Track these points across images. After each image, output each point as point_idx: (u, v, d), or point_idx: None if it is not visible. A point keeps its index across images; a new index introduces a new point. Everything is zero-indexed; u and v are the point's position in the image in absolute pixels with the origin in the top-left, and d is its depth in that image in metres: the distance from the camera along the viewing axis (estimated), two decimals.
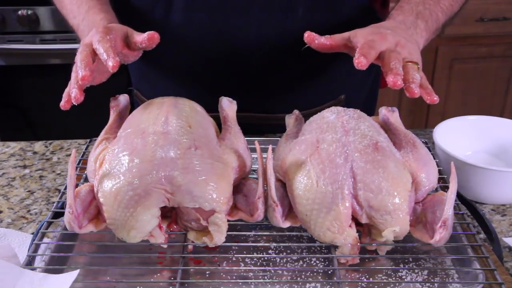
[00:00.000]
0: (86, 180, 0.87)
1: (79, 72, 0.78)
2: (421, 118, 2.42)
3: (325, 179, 0.74)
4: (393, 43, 0.82)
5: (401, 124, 0.88)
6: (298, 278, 0.75)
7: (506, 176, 0.90)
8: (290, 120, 0.94)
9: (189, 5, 1.02)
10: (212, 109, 0.92)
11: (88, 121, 1.42)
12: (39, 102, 2.14)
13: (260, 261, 0.78)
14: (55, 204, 0.83)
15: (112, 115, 0.91)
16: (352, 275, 0.76)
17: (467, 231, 0.79)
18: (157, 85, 1.17)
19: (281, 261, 0.78)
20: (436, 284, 0.74)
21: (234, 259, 0.78)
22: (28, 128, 2.26)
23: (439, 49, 2.27)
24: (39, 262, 0.74)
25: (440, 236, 0.71)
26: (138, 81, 1.24)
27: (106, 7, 0.98)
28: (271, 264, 0.77)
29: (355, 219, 0.74)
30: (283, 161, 0.81)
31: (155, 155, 0.75)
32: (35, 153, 1.11)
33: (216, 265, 0.77)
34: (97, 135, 0.87)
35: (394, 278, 0.75)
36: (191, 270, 0.77)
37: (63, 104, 0.80)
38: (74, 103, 0.79)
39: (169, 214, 0.78)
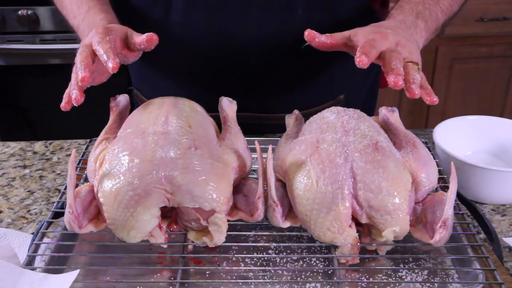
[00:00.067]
0: (86, 180, 0.87)
1: (79, 73, 0.78)
2: (421, 118, 2.42)
3: (325, 179, 0.74)
4: (394, 43, 0.82)
5: (401, 124, 0.88)
6: (298, 278, 0.75)
7: (506, 176, 0.90)
8: (290, 120, 0.94)
9: (188, 5, 1.02)
10: (212, 109, 0.92)
11: (88, 121, 1.42)
12: (39, 102, 2.14)
13: (260, 261, 0.78)
14: (55, 204, 0.83)
15: (112, 115, 0.91)
16: (352, 275, 0.76)
17: (467, 231, 0.79)
18: (157, 85, 1.18)
19: (281, 261, 0.78)
20: (436, 284, 0.74)
21: (234, 259, 0.78)
22: (28, 128, 2.26)
23: (439, 49, 2.27)
24: (39, 262, 0.74)
25: (440, 236, 0.71)
26: (138, 81, 1.25)
27: (106, 7, 0.98)
28: (271, 264, 0.77)
29: (355, 219, 0.74)
30: (283, 161, 0.81)
31: (155, 155, 0.75)
32: (35, 153, 1.11)
33: (216, 265, 0.77)
34: (97, 135, 0.87)
35: (394, 278, 0.75)
36: (191, 270, 0.77)
37: (64, 105, 0.80)
38: (74, 104, 0.79)
39: (169, 214, 0.78)
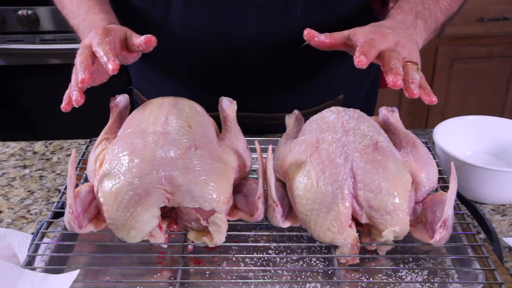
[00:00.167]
0: (86, 180, 0.87)
1: (79, 75, 0.79)
2: (421, 118, 2.42)
3: (325, 179, 0.74)
4: (393, 43, 0.82)
5: (401, 124, 0.88)
6: (298, 278, 0.75)
7: (506, 176, 0.90)
8: (290, 120, 0.94)
9: (188, 5, 1.03)
10: (212, 109, 0.92)
11: (88, 121, 1.42)
12: (39, 102, 2.14)
13: (260, 261, 0.78)
14: (55, 204, 0.83)
15: (112, 115, 0.91)
16: (352, 275, 0.76)
17: (467, 231, 0.79)
18: (157, 84, 1.18)
19: (281, 261, 0.78)
20: (436, 284, 0.74)
21: (234, 259, 0.78)
22: (28, 128, 2.26)
23: (439, 49, 2.27)
24: (39, 262, 0.74)
25: (440, 236, 0.71)
26: (138, 81, 1.25)
27: (106, 7, 0.98)
28: (271, 264, 0.77)
29: (355, 219, 0.74)
30: (283, 161, 0.81)
31: (155, 155, 0.75)
32: (35, 153, 1.11)
33: (216, 265, 0.77)
34: (97, 135, 0.87)
35: (394, 278, 0.75)
36: (191, 270, 0.77)
37: (64, 106, 0.80)
38: (75, 105, 0.79)
39: (169, 214, 0.78)
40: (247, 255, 0.78)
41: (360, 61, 0.77)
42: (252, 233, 0.83)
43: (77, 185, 0.78)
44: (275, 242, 0.82)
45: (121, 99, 0.95)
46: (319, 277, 0.76)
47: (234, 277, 0.75)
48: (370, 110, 1.27)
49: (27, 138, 1.20)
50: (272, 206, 0.74)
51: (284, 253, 0.79)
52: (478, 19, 2.22)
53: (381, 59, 0.80)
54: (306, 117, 0.91)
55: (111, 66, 0.78)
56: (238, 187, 0.80)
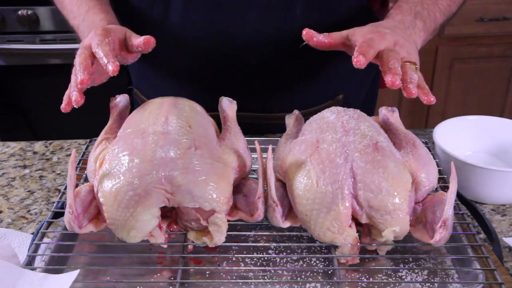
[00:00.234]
0: (86, 180, 0.87)
1: (78, 76, 0.79)
2: (421, 118, 2.42)
3: (325, 179, 0.74)
4: (392, 43, 0.82)
5: (401, 124, 0.88)
6: (298, 278, 0.75)
7: (506, 176, 0.90)
8: (290, 120, 0.94)
9: (187, 5, 1.03)
10: (212, 109, 0.92)
11: (88, 121, 1.42)
12: (39, 102, 2.14)
13: (260, 261, 0.78)
14: (55, 204, 0.83)
15: (112, 115, 0.91)
16: (352, 275, 0.76)
17: (467, 231, 0.79)
18: (157, 84, 1.18)
19: (281, 261, 0.78)
20: (436, 284, 0.74)
21: (234, 259, 0.78)
22: (28, 128, 2.26)
23: (439, 49, 2.27)
24: (39, 262, 0.74)
25: (440, 236, 0.71)
26: (138, 81, 1.25)
27: (106, 7, 0.98)
28: (271, 264, 0.77)
29: (355, 219, 0.74)
30: (283, 161, 0.81)
31: (155, 155, 0.75)
32: (35, 153, 1.11)
33: (216, 265, 0.77)
34: (97, 135, 0.87)
35: (394, 278, 0.75)
36: (191, 270, 0.77)
37: (64, 107, 0.80)
38: (75, 106, 0.79)
39: (169, 214, 0.78)
40: (247, 255, 0.78)
41: (359, 61, 0.77)
42: (252, 233, 0.83)
43: (77, 185, 0.78)
44: (275, 242, 0.82)
45: (121, 99, 0.95)
46: (319, 277, 0.76)
47: (234, 277, 0.75)
48: (370, 110, 1.27)
49: (27, 138, 1.20)
50: (272, 206, 0.74)
51: (284, 253, 0.79)
52: (478, 19, 2.22)
53: (380, 59, 0.80)
54: (306, 117, 0.91)
55: (111, 68, 0.78)
56: (238, 187, 0.80)
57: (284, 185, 0.80)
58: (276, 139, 0.96)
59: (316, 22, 1.02)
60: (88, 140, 1.00)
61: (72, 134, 1.27)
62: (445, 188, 0.80)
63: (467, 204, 0.86)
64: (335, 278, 0.73)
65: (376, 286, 0.74)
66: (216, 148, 0.80)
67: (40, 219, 0.91)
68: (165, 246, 0.77)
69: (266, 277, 0.75)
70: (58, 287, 0.68)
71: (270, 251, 0.80)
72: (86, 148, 0.98)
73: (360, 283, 0.74)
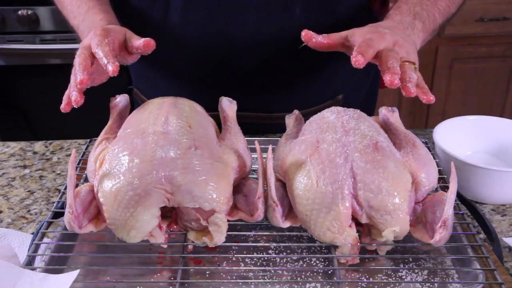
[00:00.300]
0: (86, 180, 0.87)
1: (78, 76, 0.79)
2: (421, 118, 2.42)
3: (325, 179, 0.74)
4: (391, 43, 0.82)
5: (401, 124, 0.88)
6: (298, 278, 0.75)
7: (506, 176, 0.90)
8: (290, 120, 0.94)
9: (187, 5, 1.03)
10: (212, 109, 0.92)
11: (88, 121, 1.42)
12: (39, 102, 2.14)
13: (260, 261, 0.78)
14: (55, 204, 0.83)
15: (112, 115, 0.91)
16: (352, 275, 0.76)
17: (467, 231, 0.79)
18: (157, 84, 1.18)
19: (281, 261, 0.78)
20: (436, 284, 0.74)
21: (234, 259, 0.78)
22: (28, 128, 2.26)
23: (439, 49, 2.27)
24: (39, 262, 0.74)
25: (440, 236, 0.71)
26: (138, 80, 1.25)
27: (106, 7, 0.98)
28: (271, 264, 0.77)
29: (355, 219, 0.74)
30: (283, 161, 0.81)
31: (155, 155, 0.75)
32: (35, 153, 1.11)
33: (216, 265, 0.77)
34: (97, 135, 0.87)
35: (394, 278, 0.75)
36: (191, 270, 0.77)
37: (63, 107, 0.80)
38: (74, 106, 0.79)
39: (169, 214, 0.78)
40: (247, 255, 0.78)
41: (357, 60, 0.77)
42: (252, 233, 0.83)
43: (77, 185, 0.78)
44: (275, 242, 0.82)
45: (121, 99, 0.95)
46: (319, 277, 0.76)
47: (234, 277, 0.75)
48: (370, 110, 1.27)
49: (27, 138, 1.20)
50: (272, 206, 0.74)
51: (284, 253, 0.79)
52: (478, 19, 2.22)
53: (379, 59, 0.80)
54: (306, 117, 0.91)
55: (111, 68, 0.77)
56: (238, 187, 0.80)
57: (284, 185, 0.80)
58: (276, 139, 0.96)
59: (315, 22, 1.02)
60: (88, 140, 1.00)
61: (72, 134, 1.27)
62: (445, 188, 0.80)
63: (467, 204, 0.86)
64: (335, 278, 0.73)
65: (376, 286, 0.74)
66: (216, 148, 0.80)
67: (40, 219, 0.91)
68: (165, 246, 0.77)
69: (266, 277, 0.75)
70: (58, 287, 0.68)
71: (270, 251, 0.80)
72: (86, 148, 0.98)
73: (360, 283, 0.74)
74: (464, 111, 1.30)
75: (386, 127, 0.87)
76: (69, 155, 1.09)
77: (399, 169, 0.75)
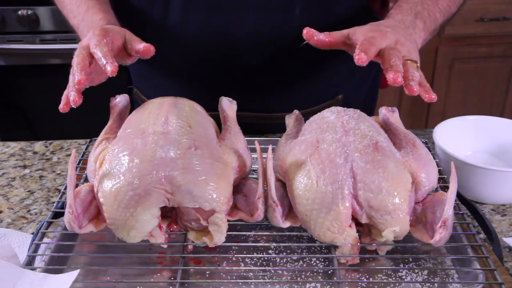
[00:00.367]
0: (86, 180, 0.87)
1: (76, 76, 0.78)
2: (421, 118, 2.42)
3: (325, 179, 0.74)
4: (393, 41, 0.82)
5: (401, 124, 0.88)
6: (298, 278, 0.75)
7: (506, 176, 0.90)
8: (290, 120, 0.94)
9: (187, 5, 1.03)
10: (212, 109, 0.92)
11: (88, 121, 1.42)
12: (39, 102, 2.14)
13: (260, 261, 0.78)
14: (55, 204, 0.83)
15: (112, 115, 0.91)
16: (352, 275, 0.76)
17: (467, 231, 0.79)
18: (157, 84, 1.18)
19: (281, 261, 0.78)
20: (436, 284, 0.74)
21: (234, 259, 0.78)
22: (28, 128, 2.26)
23: (439, 49, 2.27)
24: (39, 262, 0.74)
25: (440, 236, 0.71)
26: (138, 80, 1.25)
27: (106, 6, 0.98)
28: (271, 264, 0.77)
29: (355, 219, 0.74)
30: (283, 161, 0.81)
31: (155, 155, 0.75)
32: (35, 153, 1.11)
33: (216, 265, 0.77)
34: (97, 135, 0.87)
35: (394, 278, 0.75)
36: (191, 270, 0.77)
37: (62, 107, 0.80)
38: (73, 106, 0.79)
39: (169, 214, 0.78)
40: (247, 255, 0.78)
41: (360, 58, 0.76)
42: (252, 233, 0.83)
43: (77, 185, 0.78)
44: (275, 242, 0.82)
45: (121, 99, 0.95)
46: (319, 277, 0.76)
47: (234, 277, 0.75)
48: (370, 110, 1.27)
49: (27, 138, 1.20)
50: (272, 206, 0.74)
51: (284, 253, 0.79)
52: (478, 19, 2.22)
53: (381, 57, 0.80)
54: (306, 117, 0.91)
55: (110, 68, 0.77)
56: (238, 187, 0.80)
57: (284, 185, 0.80)
58: (276, 139, 0.96)
59: (315, 22, 1.02)
60: (88, 140, 1.00)
61: (72, 134, 1.27)
62: (445, 188, 0.80)
63: (467, 204, 0.86)
64: (335, 278, 0.73)
65: (376, 286, 0.74)
66: (216, 148, 0.80)
67: (40, 219, 0.91)
68: (165, 246, 0.77)
69: (266, 277, 0.75)
70: (58, 287, 0.68)
71: (270, 251, 0.80)
72: (86, 148, 0.98)
73: (360, 283, 0.74)
74: (464, 111, 1.30)
75: (386, 127, 0.87)
76: (69, 155, 1.09)
77: (399, 169, 0.75)
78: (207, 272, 0.76)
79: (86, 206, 0.75)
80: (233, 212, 0.77)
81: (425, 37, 0.93)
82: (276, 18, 1.03)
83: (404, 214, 0.73)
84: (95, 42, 0.81)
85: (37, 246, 0.76)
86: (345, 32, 0.85)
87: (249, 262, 0.77)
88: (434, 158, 0.84)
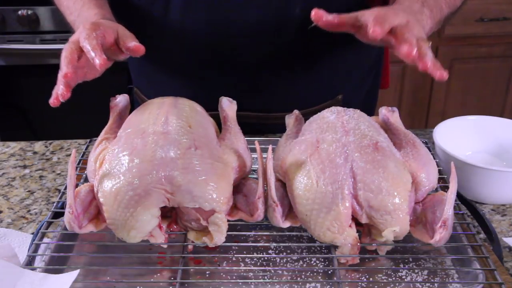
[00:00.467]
0: (86, 180, 0.87)
1: (63, 69, 0.78)
2: (421, 118, 2.42)
3: (325, 179, 0.74)
4: (405, 20, 0.81)
5: (401, 124, 0.88)
6: (298, 278, 0.75)
7: (506, 176, 0.90)
8: (290, 120, 0.94)
9: (187, 4, 1.02)
10: (212, 109, 0.92)
11: (88, 121, 1.42)
12: (39, 102, 2.11)
13: (260, 261, 0.78)
14: (55, 204, 0.83)
15: (112, 115, 0.91)
16: (352, 275, 0.76)
17: (467, 231, 0.79)
18: (157, 83, 1.18)
19: (281, 261, 0.78)
20: (436, 284, 0.74)
21: (234, 259, 0.78)
22: (28, 128, 2.26)
23: (439, 49, 2.27)
24: (39, 262, 0.74)
25: (440, 236, 0.71)
26: (137, 79, 1.25)
27: (101, 2, 0.98)
28: (271, 264, 0.77)
29: (355, 219, 0.74)
30: (283, 161, 0.81)
31: (155, 155, 0.75)
32: (35, 153, 1.11)
33: (216, 265, 0.77)
34: (97, 135, 0.87)
35: (394, 278, 0.75)
36: (191, 270, 0.77)
37: (52, 101, 0.79)
38: (61, 100, 0.78)
39: (169, 214, 0.78)
40: (247, 255, 0.78)
41: (375, 31, 0.75)
42: (252, 233, 0.83)
43: (77, 185, 0.78)
44: (275, 242, 0.82)
45: (121, 99, 0.95)
46: (319, 277, 0.76)
47: (234, 277, 0.75)
48: (370, 110, 1.27)
49: (27, 138, 1.20)
50: (272, 206, 0.74)
51: (284, 253, 0.79)
52: (478, 19, 2.22)
53: (394, 34, 0.79)
54: (306, 117, 0.91)
55: (98, 61, 0.77)
56: (238, 187, 0.80)
57: (284, 185, 0.80)
58: (276, 139, 0.96)
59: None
60: (88, 140, 1.00)
61: (72, 134, 1.27)
62: (445, 188, 0.80)
63: (467, 204, 0.86)
64: (335, 278, 0.73)
65: (376, 286, 0.74)
66: (216, 148, 0.80)
67: (40, 219, 0.91)
68: (165, 246, 0.77)
69: (266, 277, 0.75)
70: (58, 287, 0.68)
71: (270, 251, 0.80)
72: (86, 148, 0.98)
73: (360, 283, 0.74)
74: (464, 111, 1.30)
75: (386, 127, 0.87)
76: (69, 155, 1.09)
77: (399, 169, 0.75)
78: (207, 272, 0.76)
79: (86, 206, 0.75)
80: (233, 212, 0.77)
81: (432, 25, 0.92)
82: (276, 16, 1.03)
83: (404, 214, 0.73)
84: (85, 36, 0.80)
85: (37, 246, 0.76)
86: (353, 14, 0.84)
87: (249, 262, 0.77)
88: (434, 158, 0.84)
